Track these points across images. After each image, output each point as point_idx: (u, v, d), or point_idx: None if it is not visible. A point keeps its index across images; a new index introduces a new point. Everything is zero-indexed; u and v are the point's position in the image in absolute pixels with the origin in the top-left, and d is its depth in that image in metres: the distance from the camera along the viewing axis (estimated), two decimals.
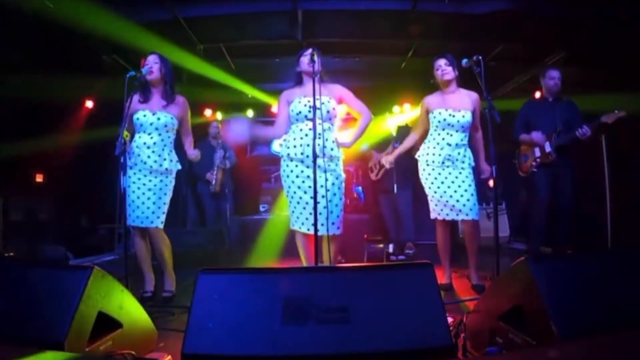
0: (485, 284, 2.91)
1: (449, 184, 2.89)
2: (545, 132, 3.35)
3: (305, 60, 2.61)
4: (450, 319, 1.80)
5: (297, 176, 2.61)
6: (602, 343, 1.19)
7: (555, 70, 3.41)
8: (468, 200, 2.86)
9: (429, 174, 2.95)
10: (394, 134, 4.84)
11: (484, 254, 3.03)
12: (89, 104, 5.47)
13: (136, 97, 2.79)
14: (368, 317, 1.32)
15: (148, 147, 2.77)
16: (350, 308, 1.33)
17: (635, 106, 3.44)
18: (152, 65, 2.78)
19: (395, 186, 4.55)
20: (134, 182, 2.78)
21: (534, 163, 3.36)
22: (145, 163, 2.76)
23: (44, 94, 4.71)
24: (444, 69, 2.90)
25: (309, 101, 2.53)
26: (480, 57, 2.61)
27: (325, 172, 2.51)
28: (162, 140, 2.81)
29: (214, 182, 4.86)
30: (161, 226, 2.82)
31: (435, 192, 2.93)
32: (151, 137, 2.78)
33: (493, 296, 1.70)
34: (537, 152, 3.37)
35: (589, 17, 3.89)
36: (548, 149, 3.30)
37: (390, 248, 4.62)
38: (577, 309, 1.31)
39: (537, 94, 3.70)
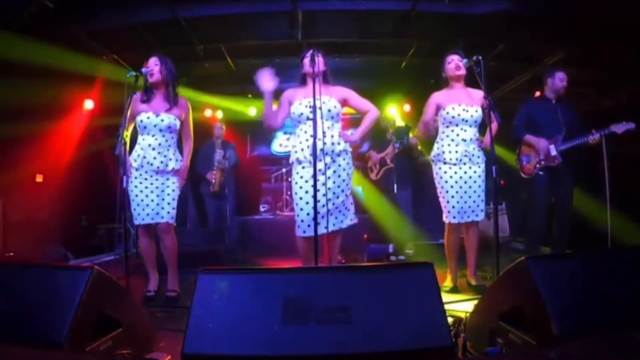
0: (485, 284, 2.91)
1: (470, 183, 2.87)
2: (550, 132, 3.31)
3: (307, 61, 2.62)
4: (450, 319, 1.80)
5: (306, 181, 2.60)
6: (602, 343, 1.19)
7: (563, 72, 3.39)
8: (482, 200, 2.91)
9: (445, 173, 2.90)
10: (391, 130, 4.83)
11: (484, 254, 3.03)
12: (89, 104, 5.47)
13: (137, 97, 2.78)
14: (368, 317, 1.32)
15: (153, 149, 2.79)
16: (350, 308, 1.33)
17: (634, 106, 3.44)
18: (152, 68, 2.79)
19: (395, 186, 4.55)
20: (140, 183, 2.80)
21: (537, 165, 3.31)
22: (151, 164, 2.79)
23: (44, 93, 4.71)
24: (457, 63, 2.87)
25: (309, 102, 2.54)
26: (480, 57, 2.61)
27: (329, 169, 2.54)
28: (167, 141, 2.83)
29: (213, 181, 4.88)
30: (172, 221, 2.82)
31: (453, 196, 2.88)
32: (155, 139, 2.80)
33: (493, 296, 1.70)
34: (541, 155, 3.32)
35: (589, 16, 3.89)
36: (554, 152, 3.27)
37: (390, 248, 4.62)
38: (577, 309, 1.31)
39: (537, 93, 3.67)
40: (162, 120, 2.78)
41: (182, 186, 2.96)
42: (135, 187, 2.79)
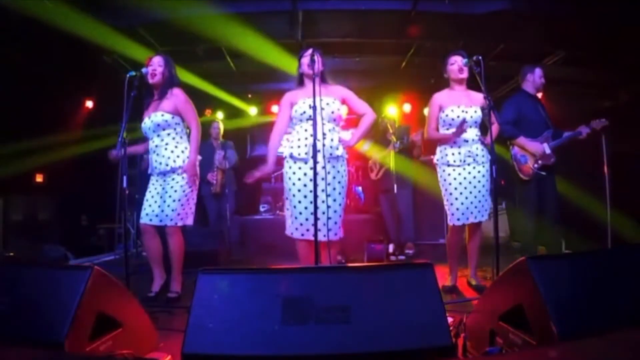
0: (485, 284, 2.91)
1: (474, 183, 2.86)
2: (538, 129, 3.26)
3: (305, 61, 2.59)
4: (450, 319, 1.80)
5: (299, 179, 2.56)
6: (602, 343, 1.19)
7: (541, 68, 3.36)
8: (487, 200, 2.90)
9: (449, 175, 2.89)
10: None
11: (484, 254, 3.03)
12: (89, 104, 5.47)
13: (145, 106, 2.89)
14: (368, 317, 1.32)
15: (153, 152, 2.85)
16: (350, 308, 1.33)
17: (634, 106, 3.44)
18: (156, 68, 2.78)
19: (395, 186, 4.54)
20: (152, 184, 2.89)
21: (536, 165, 3.27)
22: (154, 167, 2.85)
23: (44, 93, 4.71)
24: (460, 66, 2.84)
25: (312, 102, 2.53)
26: (480, 57, 2.61)
27: (328, 174, 2.49)
28: (162, 140, 2.82)
29: (214, 182, 4.87)
30: (171, 223, 2.79)
31: (457, 197, 2.86)
32: (153, 141, 2.85)
33: (493, 296, 1.70)
34: (538, 156, 3.29)
35: (589, 16, 3.89)
36: (548, 150, 3.24)
37: (390, 248, 4.62)
38: (577, 309, 1.31)
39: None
40: (152, 122, 2.80)
41: (193, 182, 2.84)
42: (147, 188, 2.89)
